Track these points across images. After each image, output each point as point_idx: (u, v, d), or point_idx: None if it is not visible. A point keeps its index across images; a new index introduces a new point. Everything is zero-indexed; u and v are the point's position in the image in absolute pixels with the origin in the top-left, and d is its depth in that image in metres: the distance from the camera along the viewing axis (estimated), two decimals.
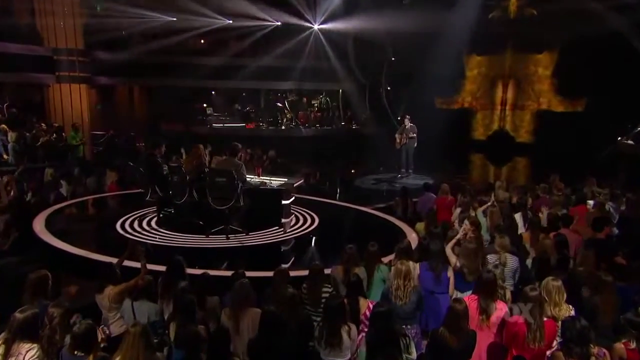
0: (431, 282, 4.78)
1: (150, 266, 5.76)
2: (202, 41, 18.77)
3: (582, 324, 3.53)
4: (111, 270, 4.68)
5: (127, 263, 5.05)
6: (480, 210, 7.02)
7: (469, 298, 4.12)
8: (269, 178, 8.40)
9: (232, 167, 7.29)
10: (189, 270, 4.90)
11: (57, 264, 6.36)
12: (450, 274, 4.81)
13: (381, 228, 8.13)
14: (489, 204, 7.07)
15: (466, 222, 5.80)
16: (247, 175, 7.84)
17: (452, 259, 4.96)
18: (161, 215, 8.21)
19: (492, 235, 6.35)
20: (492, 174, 12.93)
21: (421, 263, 4.90)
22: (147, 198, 8.00)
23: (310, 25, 17.73)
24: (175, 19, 16.53)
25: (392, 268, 4.53)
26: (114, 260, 5.02)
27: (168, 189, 7.79)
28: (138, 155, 11.45)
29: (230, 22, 17.25)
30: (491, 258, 5.23)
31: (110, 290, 4.46)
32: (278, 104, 17.85)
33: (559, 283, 4.13)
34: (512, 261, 5.25)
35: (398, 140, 12.72)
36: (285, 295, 4.14)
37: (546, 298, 4.07)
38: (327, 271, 4.89)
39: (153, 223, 8.15)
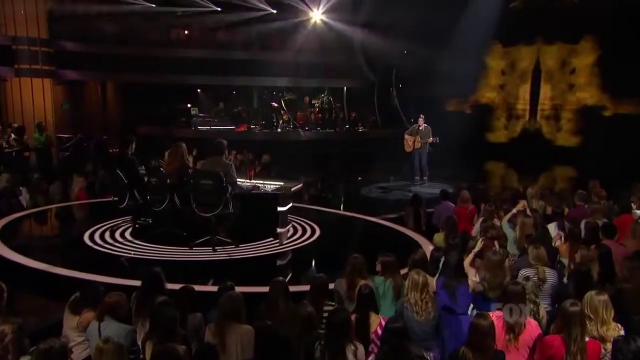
0: (447, 300, 4.72)
1: (123, 281, 5.80)
2: (186, 31, 18.88)
3: (638, 344, 3.46)
4: (95, 291, 4.63)
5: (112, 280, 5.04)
6: (505, 219, 7.00)
7: (494, 314, 4.07)
8: (262, 181, 8.42)
9: (220, 167, 7.28)
10: (169, 286, 4.84)
11: (13, 279, 6.28)
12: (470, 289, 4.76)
13: (391, 240, 8.17)
14: (513, 211, 7.04)
15: (482, 237, 5.78)
16: (238, 178, 7.84)
17: (470, 273, 4.92)
18: (137, 226, 8.20)
19: (521, 248, 6.32)
20: (522, 182, 12.87)
21: (437, 280, 4.86)
22: (123, 205, 7.98)
23: (311, 13, 17.86)
24: (154, 5, 16.65)
25: (407, 279, 4.52)
26: (84, 276, 4.97)
27: (146, 194, 7.78)
28: (110, 160, 11.46)
29: (219, 9, 17.39)
30: (526, 273, 5.18)
31: (87, 314, 4.41)
32: (273, 103, 17.92)
33: (605, 297, 4.06)
34: (551, 276, 5.21)
35: (410, 143, 12.69)
36: (301, 313, 4.12)
37: (591, 315, 4.00)
38: (331, 286, 4.88)
39: (127, 234, 8.13)
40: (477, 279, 4.91)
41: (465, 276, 4.92)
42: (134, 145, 8.04)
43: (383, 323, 4.20)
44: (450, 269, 4.78)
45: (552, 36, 16.23)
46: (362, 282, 4.75)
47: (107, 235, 8.10)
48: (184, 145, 8.00)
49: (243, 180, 8.36)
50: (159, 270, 4.80)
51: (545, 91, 16.74)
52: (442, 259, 5.29)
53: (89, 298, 4.49)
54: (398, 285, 4.87)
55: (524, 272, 5.23)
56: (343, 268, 4.99)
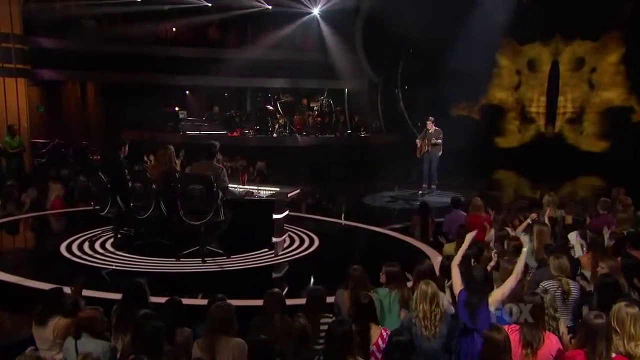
0: (467, 318, 4.68)
1: (103, 294, 5.81)
2: (174, 28, 18.97)
3: None
4: (59, 296, 4.61)
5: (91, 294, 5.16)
6: (520, 229, 7.01)
7: (509, 328, 4.07)
8: (257, 187, 8.47)
9: (210, 171, 7.30)
10: (154, 300, 4.81)
11: None
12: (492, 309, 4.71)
13: (396, 251, 8.19)
14: (528, 221, 7.07)
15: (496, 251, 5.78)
16: (230, 184, 7.87)
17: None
18: (119, 236, 8.20)
19: (539, 259, 6.31)
20: (539, 189, 12.91)
21: (460, 292, 4.82)
22: (104, 213, 7.99)
23: (309, 9, 17.96)
24: None
25: (415, 291, 4.51)
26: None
27: (129, 200, 7.80)
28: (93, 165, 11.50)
29: (209, 4, 17.49)
30: (548, 285, 5.15)
31: (59, 322, 4.38)
32: (268, 106, 18.00)
33: (635, 310, 4.02)
34: (575, 289, 5.18)
35: (419, 147, 12.75)
36: (294, 326, 4.11)
37: (617, 329, 3.96)
38: (330, 300, 4.90)
39: (109, 245, 8.14)
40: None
41: (488, 292, 4.87)
42: (127, 148, 8.09)
43: (385, 335, 4.19)
44: (477, 284, 4.64)
45: (571, 32, 16.30)
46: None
47: (86, 246, 8.09)
48: (172, 148, 8.06)
49: (235, 185, 8.39)
50: (143, 281, 4.78)
51: (565, 92, 16.78)
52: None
53: (53, 304, 4.48)
54: (405, 297, 4.85)
55: (544, 284, 5.20)
56: (344, 281, 5.01)
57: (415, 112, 17.99)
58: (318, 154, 16.24)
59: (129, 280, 4.94)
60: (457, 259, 4.97)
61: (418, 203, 10.54)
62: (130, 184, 7.82)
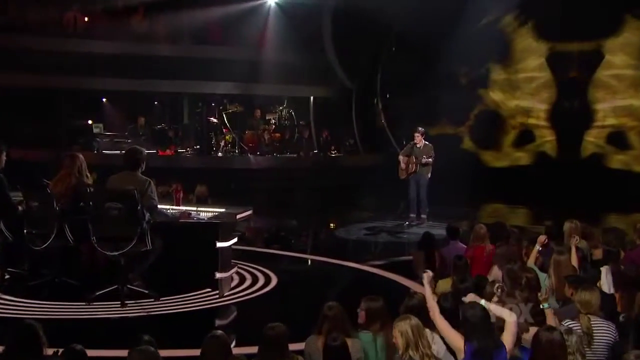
0: None
1: None
2: (86, 17, 18.92)
3: None
4: None
5: None
6: (531, 261, 7.23)
7: None
8: (195, 207, 8.47)
9: (134, 185, 7.25)
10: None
11: None
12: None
13: (378, 290, 7.94)
14: (537, 247, 7.32)
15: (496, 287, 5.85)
16: (161, 205, 7.87)
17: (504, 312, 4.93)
18: (7, 276, 8.08)
19: (561, 297, 6.40)
20: (556, 217, 13.14)
21: (466, 345, 4.84)
22: None
23: None
24: None
25: (395, 329, 4.62)
26: None
27: (21, 227, 7.65)
28: None
29: None
30: (569, 324, 5.23)
31: None
32: (211, 119, 18.03)
33: None
34: (604, 329, 5.25)
35: (403, 166, 12.86)
36: None
37: None
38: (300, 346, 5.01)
39: None
40: None
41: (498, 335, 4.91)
42: (3, 158, 7.94)
43: None
44: (477, 327, 4.71)
45: (595, 26, 16.84)
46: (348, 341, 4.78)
47: None
48: (81, 156, 8.02)
49: (168, 206, 8.35)
50: (35, 324, 4.67)
51: (594, 99, 17.19)
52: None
53: None
54: (391, 340, 4.86)
55: (565, 324, 5.25)
56: (316, 325, 5.04)
57: (399, 127, 18.20)
58: (277, 178, 16.51)
59: (18, 323, 4.88)
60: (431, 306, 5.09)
61: (405, 237, 10.65)
62: (23, 205, 7.74)
